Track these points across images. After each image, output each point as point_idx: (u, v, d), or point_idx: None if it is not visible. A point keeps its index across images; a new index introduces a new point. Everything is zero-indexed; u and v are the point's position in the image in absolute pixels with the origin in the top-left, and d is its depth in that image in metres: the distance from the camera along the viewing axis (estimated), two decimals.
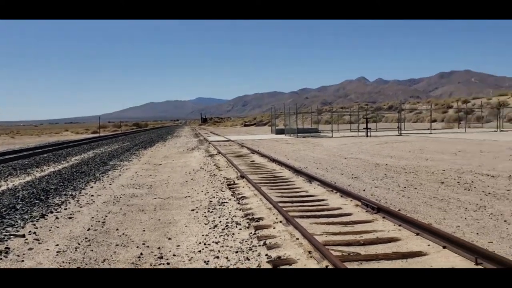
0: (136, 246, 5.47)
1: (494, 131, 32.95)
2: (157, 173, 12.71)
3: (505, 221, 5.89)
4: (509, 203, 6.96)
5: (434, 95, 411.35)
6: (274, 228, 5.98)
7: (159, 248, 5.37)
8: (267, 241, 5.35)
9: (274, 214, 6.75)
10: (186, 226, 6.44)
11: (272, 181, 10.28)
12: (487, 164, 12.03)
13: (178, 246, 5.44)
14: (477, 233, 5.39)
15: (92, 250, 5.33)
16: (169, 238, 5.79)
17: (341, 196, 7.94)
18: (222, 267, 4.57)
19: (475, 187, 8.45)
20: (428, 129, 35.35)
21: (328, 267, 4.33)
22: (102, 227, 6.47)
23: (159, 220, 6.86)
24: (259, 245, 5.24)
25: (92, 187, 10.24)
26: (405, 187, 8.76)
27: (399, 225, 5.77)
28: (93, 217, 7.06)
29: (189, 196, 8.89)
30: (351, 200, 7.47)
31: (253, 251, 5.03)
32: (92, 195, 9.07)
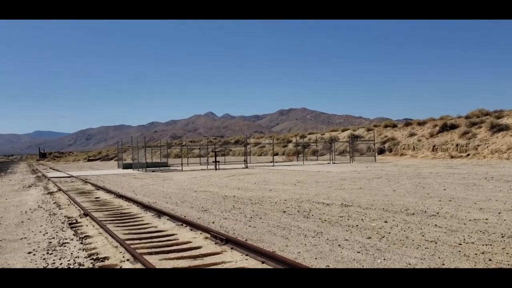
0: None
1: (328, 163, 36.60)
2: None
3: (339, 245, 6.51)
4: (342, 228, 7.73)
5: (275, 130, 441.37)
6: (120, 267, 5.70)
7: None
8: None
9: (120, 252, 6.44)
10: None
11: (118, 218, 9.82)
12: (322, 193, 13.26)
13: None
14: (316, 258, 5.85)
15: None
16: None
17: (191, 230, 7.95)
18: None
19: (312, 215, 9.22)
20: (271, 162, 37.72)
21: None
22: None
23: None
24: None
25: None
26: (251, 217, 9.15)
27: (246, 255, 5.99)
28: None
29: (25, 237, 8.00)
30: (201, 233, 7.53)
31: None
32: None
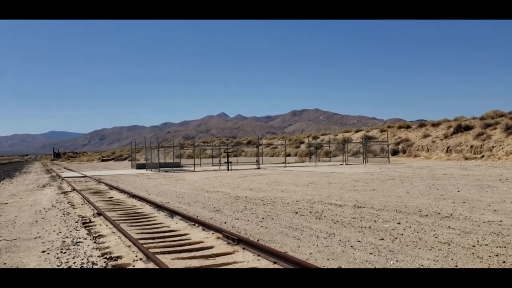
0: None
1: (341, 164, 36.42)
2: (3, 213, 11.36)
3: (351, 246, 6.49)
4: (354, 230, 7.69)
5: (288, 131, 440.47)
6: (133, 266, 5.75)
7: None
8: None
9: (134, 251, 6.50)
10: None
11: (132, 217, 9.91)
12: (335, 194, 13.21)
13: None
14: (328, 259, 5.84)
15: None
16: None
17: (203, 230, 7.99)
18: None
19: (325, 216, 9.20)
20: (283, 162, 37.65)
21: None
22: None
23: (4, 264, 6.12)
24: None
25: None
26: (263, 218, 9.16)
27: (258, 255, 6.00)
28: None
29: (39, 236, 8.11)
30: (213, 233, 7.56)
31: None
32: None
